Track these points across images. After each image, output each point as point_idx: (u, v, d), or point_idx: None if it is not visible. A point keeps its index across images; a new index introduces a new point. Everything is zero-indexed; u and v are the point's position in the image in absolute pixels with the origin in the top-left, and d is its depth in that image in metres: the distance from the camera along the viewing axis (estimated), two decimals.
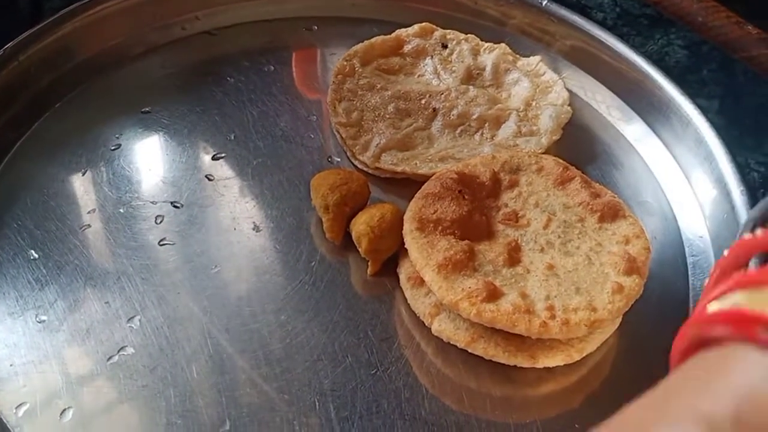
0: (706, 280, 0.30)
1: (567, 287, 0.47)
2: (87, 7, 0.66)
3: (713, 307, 0.26)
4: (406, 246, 0.50)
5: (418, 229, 0.50)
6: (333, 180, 0.53)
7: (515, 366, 0.48)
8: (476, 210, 0.52)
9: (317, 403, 0.46)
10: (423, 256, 0.48)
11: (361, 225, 0.52)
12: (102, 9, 0.67)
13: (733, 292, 0.26)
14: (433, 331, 0.49)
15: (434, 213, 0.50)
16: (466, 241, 0.49)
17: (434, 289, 0.47)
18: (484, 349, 0.47)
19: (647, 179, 0.61)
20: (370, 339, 0.49)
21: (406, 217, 0.51)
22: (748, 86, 0.71)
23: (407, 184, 0.57)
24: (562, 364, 0.48)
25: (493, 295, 0.46)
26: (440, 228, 0.50)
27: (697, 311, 0.28)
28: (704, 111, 0.61)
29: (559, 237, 0.51)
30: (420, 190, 0.53)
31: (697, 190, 0.59)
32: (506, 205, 0.53)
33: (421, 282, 0.49)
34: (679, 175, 0.61)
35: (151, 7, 0.69)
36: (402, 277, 0.52)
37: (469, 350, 0.48)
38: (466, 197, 0.52)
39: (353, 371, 0.47)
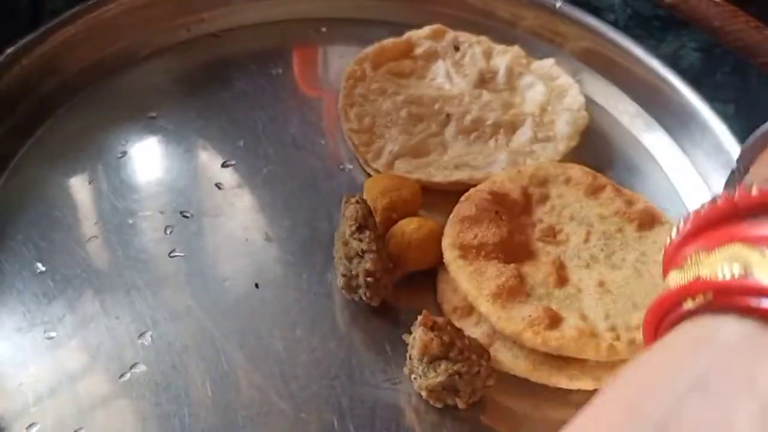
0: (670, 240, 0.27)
1: (623, 303, 0.46)
2: (90, 9, 0.64)
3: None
4: (452, 276, 0.48)
5: (461, 257, 0.48)
6: (386, 184, 0.52)
7: None
8: (515, 230, 0.50)
9: (336, 422, 0.44)
10: (474, 286, 0.46)
11: (396, 227, 0.51)
12: (105, 11, 0.65)
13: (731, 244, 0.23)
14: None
15: (475, 237, 0.49)
16: (513, 265, 0.48)
17: (493, 320, 0.45)
18: (548, 376, 0.46)
19: (665, 186, 0.60)
20: (388, 354, 0.48)
21: (445, 244, 0.49)
22: (762, 89, 0.70)
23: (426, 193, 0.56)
24: None
25: (554, 321, 0.44)
26: (483, 253, 0.48)
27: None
28: (720, 116, 0.60)
29: (602, 250, 0.49)
30: (454, 214, 0.51)
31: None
32: (541, 221, 0.51)
33: (469, 312, 0.48)
34: (698, 181, 0.60)
35: (155, 9, 0.67)
36: (446, 307, 0.50)
37: (532, 379, 0.46)
38: (504, 218, 0.50)
39: (372, 389, 0.46)
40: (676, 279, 0.25)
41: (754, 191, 0.24)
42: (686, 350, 0.23)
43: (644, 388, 0.22)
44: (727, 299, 0.23)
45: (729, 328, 0.22)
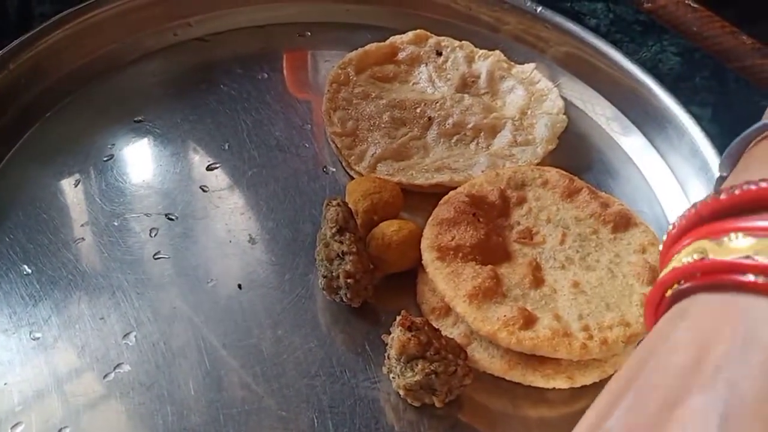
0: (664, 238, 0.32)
1: (597, 304, 0.47)
2: (78, 13, 0.65)
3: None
4: (430, 277, 0.49)
5: (438, 258, 0.49)
6: (367, 187, 0.53)
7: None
8: (492, 232, 0.51)
9: (316, 421, 0.45)
10: (451, 287, 0.47)
11: (377, 229, 0.52)
12: (93, 15, 0.66)
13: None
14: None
15: (452, 239, 0.50)
16: (490, 266, 0.49)
17: (469, 321, 0.46)
18: (522, 375, 0.47)
19: (642, 188, 0.61)
20: (368, 354, 0.49)
21: (423, 246, 0.50)
22: (740, 94, 0.71)
23: (408, 196, 0.57)
24: (598, 380, 0.47)
25: (529, 321, 0.45)
26: (461, 255, 0.49)
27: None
28: (697, 119, 0.61)
29: (577, 251, 0.51)
30: (432, 216, 0.52)
31: (693, 200, 0.59)
32: (518, 223, 0.52)
33: (447, 312, 0.49)
34: (674, 184, 0.61)
35: (142, 13, 0.68)
36: (425, 308, 0.51)
37: (507, 378, 0.47)
38: (481, 220, 0.51)
39: (352, 387, 0.47)
40: (661, 275, 0.30)
41: (709, 200, 0.29)
42: (668, 325, 0.28)
43: (639, 359, 0.28)
44: (692, 280, 0.28)
45: (698, 302, 0.28)
